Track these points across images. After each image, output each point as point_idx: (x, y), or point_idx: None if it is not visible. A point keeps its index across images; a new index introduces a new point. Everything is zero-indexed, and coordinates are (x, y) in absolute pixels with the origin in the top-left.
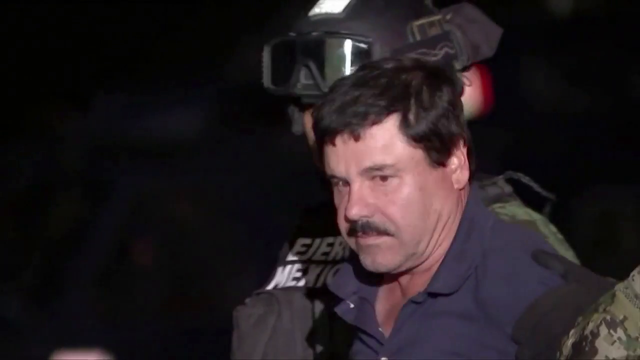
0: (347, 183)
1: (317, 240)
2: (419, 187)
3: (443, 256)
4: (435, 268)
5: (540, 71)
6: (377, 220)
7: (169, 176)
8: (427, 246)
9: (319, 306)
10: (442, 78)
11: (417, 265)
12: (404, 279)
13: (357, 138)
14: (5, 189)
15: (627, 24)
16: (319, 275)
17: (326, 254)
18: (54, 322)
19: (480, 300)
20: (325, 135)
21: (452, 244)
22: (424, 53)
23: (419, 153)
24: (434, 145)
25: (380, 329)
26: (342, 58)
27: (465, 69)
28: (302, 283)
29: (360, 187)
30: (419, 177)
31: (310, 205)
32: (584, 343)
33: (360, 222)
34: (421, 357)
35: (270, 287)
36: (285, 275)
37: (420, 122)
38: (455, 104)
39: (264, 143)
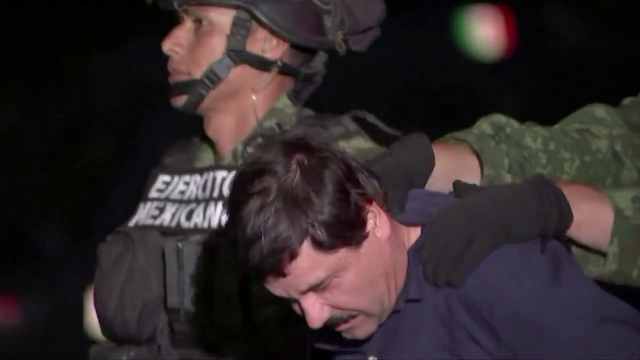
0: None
1: (176, 178)
2: (356, 272)
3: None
4: None
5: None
6: (338, 314)
7: None
8: (390, 299)
9: (170, 245)
10: (319, 162)
11: None
12: None
13: (284, 275)
14: (42, 130)
15: None
16: (174, 215)
17: (182, 192)
18: (91, 256)
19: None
20: (255, 276)
21: (408, 251)
22: None
23: (341, 252)
24: (350, 235)
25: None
26: None
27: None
28: (158, 221)
29: (308, 301)
30: (352, 265)
31: (178, 141)
32: None
33: (326, 323)
34: (408, 351)
35: (132, 223)
36: (146, 212)
37: (328, 232)
38: (345, 175)
39: None
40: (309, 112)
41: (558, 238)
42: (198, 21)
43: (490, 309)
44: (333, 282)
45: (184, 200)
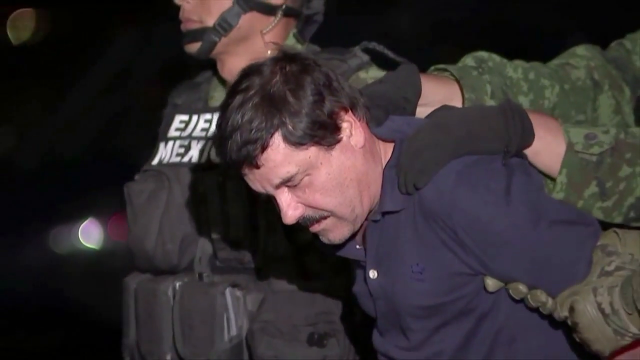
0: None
1: (195, 117)
2: (327, 173)
3: (382, 181)
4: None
5: None
6: (311, 213)
7: None
8: (362, 205)
9: (205, 179)
10: (301, 69)
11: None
12: None
13: (257, 166)
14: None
15: None
16: (202, 151)
17: (205, 129)
18: None
19: (420, 204)
20: (232, 169)
21: (384, 167)
22: None
23: (312, 150)
24: (321, 135)
25: (358, 246)
26: None
27: None
28: (187, 159)
29: (282, 197)
30: (323, 165)
31: (186, 82)
32: None
33: (299, 220)
34: (399, 265)
35: (155, 162)
36: (169, 151)
37: (298, 128)
38: (323, 83)
39: None
40: (316, 48)
41: (519, 156)
42: None
43: (449, 216)
44: (305, 180)
45: (209, 138)
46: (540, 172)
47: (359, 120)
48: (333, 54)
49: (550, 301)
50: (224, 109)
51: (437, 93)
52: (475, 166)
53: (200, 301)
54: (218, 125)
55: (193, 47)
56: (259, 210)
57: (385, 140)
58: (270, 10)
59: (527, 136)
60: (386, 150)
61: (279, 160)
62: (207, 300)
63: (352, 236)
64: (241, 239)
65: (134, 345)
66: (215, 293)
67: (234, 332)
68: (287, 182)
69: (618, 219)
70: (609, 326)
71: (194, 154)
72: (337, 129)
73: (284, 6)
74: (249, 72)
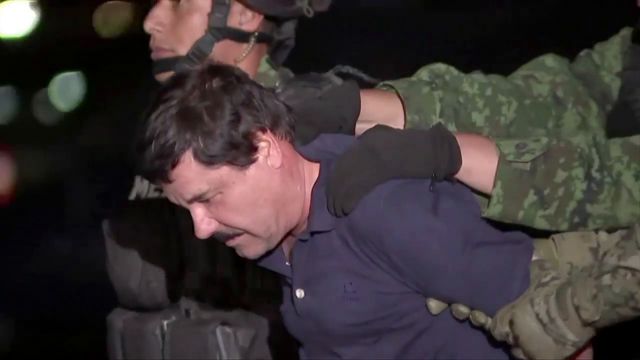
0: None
1: None
2: (239, 192)
3: (310, 203)
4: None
5: None
6: (224, 229)
7: None
8: (278, 225)
9: (189, 215)
10: (223, 85)
11: (291, 231)
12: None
13: (168, 180)
14: None
15: None
16: None
17: None
18: None
19: (350, 227)
20: (148, 180)
21: (312, 187)
22: None
23: (224, 169)
24: (234, 155)
25: (287, 263)
26: None
27: None
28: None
29: (195, 211)
30: (236, 185)
31: None
32: None
33: (214, 235)
34: (330, 285)
35: (132, 196)
36: (146, 185)
37: (210, 147)
38: (242, 102)
39: None
40: (289, 72)
41: (449, 180)
42: (175, 1)
43: (380, 241)
44: (217, 197)
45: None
46: (476, 191)
47: (281, 139)
48: (307, 80)
49: (489, 321)
50: (144, 117)
51: (379, 111)
52: (403, 191)
53: (192, 342)
54: (136, 133)
55: (164, 76)
56: None
57: (310, 160)
58: (243, 38)
59: (454, 162)
60: (311, 170)
61: (190, 177)
62: (198, 340)
63: (281, 250)
64: (229, 276)
65: None
66: (207, 332)
67: None
68: (199, 198)
69: (564, 226)
70: (548, 335)
71: None
72: (253, 149)
73: (256, 33)
74: (173, 83)
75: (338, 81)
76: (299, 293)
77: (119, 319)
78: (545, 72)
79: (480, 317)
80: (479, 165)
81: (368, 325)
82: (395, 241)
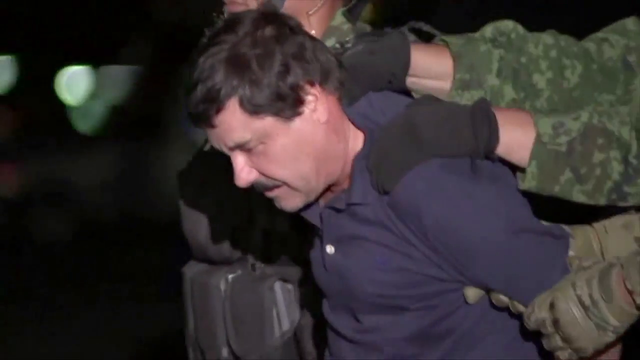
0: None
1: None
2: (282, 144)
3: (351, 170)
4: (347, 182)
5: None
6: (264, 180)
7: None
8: (318, 180)
9: None
10: (275, 35)
11: (330, 187)
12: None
13: (211, 125)
14: None
15: None
16: None
17: None
18: None
19: (391, 205)
20: (194, 122)
21: (355, 158)
22: None
23: (268, 120)
24: (280, 107)
25: (320, 215)
26: None
27: None
28: None
29: (236, 159)
30: (279, 136)
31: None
32: None
33: (253, 185)
34: (362, 251)
35: (207, 148)
36: None
37: (256, 97)
38: (293, 53)
39: None
40: (366, 27)
41: (489, 158)
42: None
43: (420, 221)
44: (259, 147)
45: None
46: (515, 166)
47: (329, 95)
48: (379, 35)
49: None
50: (195, 57)
51: (429, 69)
52: (444, 171)
53: (249, 296)
54: (186, 75)
55: None
56: None
57: (356, 126)
58: None
59: (493, 139)
60: (356, 137)
61: (234, 124)
62: (256, 295)
63: (316, 200)
64: (287, 231)
65: (194, 336)
66: (264, 288)
67: (286, 326)
68: (241, 147)
69: (602, 201)
70: (590, 320)
71: None
72: (299, 102)
73: None
74: (226, 27)
75: (411, 37)
76: (329, 249)
77: (190, 271)
78: (621, 35)
79: (520, 307)
80: (517, 142)
81: (390, 299)
82: (434, 221)
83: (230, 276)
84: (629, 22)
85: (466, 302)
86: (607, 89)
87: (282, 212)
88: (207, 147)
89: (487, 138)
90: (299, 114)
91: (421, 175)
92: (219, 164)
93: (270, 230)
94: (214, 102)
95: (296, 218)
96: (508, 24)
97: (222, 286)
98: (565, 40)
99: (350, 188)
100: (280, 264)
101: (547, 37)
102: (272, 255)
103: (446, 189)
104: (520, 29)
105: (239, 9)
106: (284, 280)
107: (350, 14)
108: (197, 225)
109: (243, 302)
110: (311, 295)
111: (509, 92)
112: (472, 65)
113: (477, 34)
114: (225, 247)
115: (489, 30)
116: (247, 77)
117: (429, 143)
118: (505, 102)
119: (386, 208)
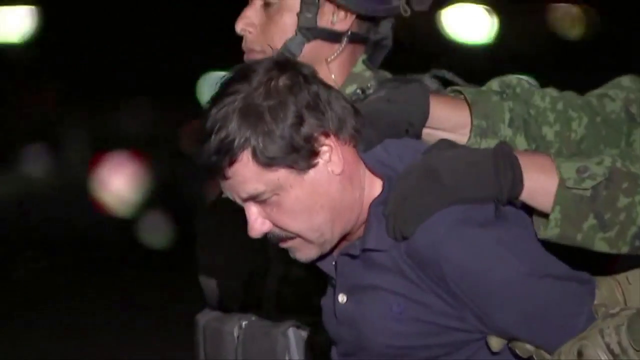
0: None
1: None
2: (296, 196)
3: (367, 217)
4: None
5: None
6: (277, 231)
7: None
8: (332, 232)
9: None
10: (289, 85)
11: (345, 235)
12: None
13: (225, 177)
14: None
15: None
16: None
17: None
18: None
19: (408, 252)
20: (207, 173)
21: (371, 204)
22: None
23: (282, 172)
24: (294, 159)
25: (334, 263)
26: None
27: None
28: None
29: (250, 210)
30: (293, 188)
31: None
32: None
33: (267, 235)
34: (376, 301)
35: (225, 194)
36: None
37: (269, 149)
38: (307, 104)
39: None
40: (386, 74)
41: (512, 204)
42: (266, 1)
43: (440, 267)
44: (273, 198)
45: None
46: (537, 212)
47: (344, 144)
48: (401, 82)
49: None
50: (207, 108)
51: (447, 119)
52: (465, 217)
53: (262, 342)
54: (199, 124)
55: None
56: None
57: (373, 173)
58: (334, 38)
59: (517, 185)
60: (373, 183)
61: (247, 176)
62: (269, 341)
63: (331, 250)
64: (303, 278)
65: None
66: (277, 333)
67: None
68: (255, 198)
69: (624, 249)
70: None
71: None
72: (314, 153)
73: (349, 32)
74: (239, 76)
75: (433, 85)
76: (341, 298)
77: (203, 319)
78: (620, 90)
79: (545, 355)
80: (540, 187)
81: (403, 350)
82: (454, 269)
83: (244, 322)
84: (625, 80)
85: (476, 354)
86: (612, 142)
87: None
88: (225, 194)
89: (511, 183)
90: (313, 165)
91: (442, 221)
92: (236, 209)
93: (286, 276)
94: (227, 154)
95: (312, 265)
96: (512, 79)
97: (236, 332)
98: (568, 94)
99: (366, 234)
100: (294, 310)
101: (552, 91)
102: (287, 302)
103: (467, 235)
104: (524, 82)
105: (257, 56)
106: (298, 327)
107: (370, 62)
108: (212, 272)
109: (256, 348)
110: (325, 343)
111: (521, 142)
112: (486, 114)
113: (484, 87)
114: (240, 294)
115: (495, 83)
116: (260, 128)
117: (451, 188)
118: None
119: (403, 255)
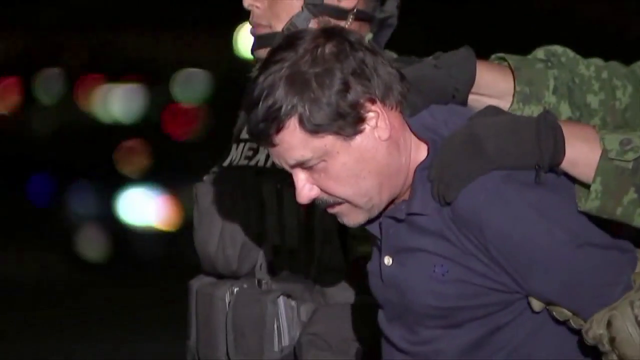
0: None
1: None
2: (343, 162)
3: (412, 181)
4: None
5: None
6: (325, 197)
7: None
8: (380, 197)
9: (265, 185)
10: (336, 52)
11: (393, 200)
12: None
13: (271, 145)
14: None
15: None
16: (268, 155)
17: None
18: None
19: (452, 217)
20: (255, 141)
21: (417, 168)
22: None
23: (328, 138)
24: (341, 125)
25: (379, 224)
26: None
27: None
28: (253, 162)
29: (298, 176)
30: (340, 154)
31: None
32: None
33: (315, 201)
34: (420, 262)
35: (226, 163)
36: (239, 153)
37: (316, 116)
38: (353, 70)
39: None
40: (392, 54)
41: (554, 171)
42: None
43: (481, 232)
44: (320, 165)
45: None
46: (579, 182)
47: (390, 110)
48: (406, 63)
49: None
50: (256, 77)
51: (493, 86)
52: (507, 183)
53: (252, 308)
54: (247, 93)
55: (263, 53)
56: (315, 219)
57: (419, 138)
58: (341, 15)
59: (558, 153)
60: (419, 147)
61: (294, 143)
62: (258, 308)
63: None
64: (296, 248)
65: (195, 348)
66: (267, 301)
67: (286, 342)
68: (302, 165)
69: None
70: None
71: (260, 157)
72: (360, 119)
73: (355, 9)
74: (286, 44)
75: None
76: (387, 260)
77: (196, 284)
78: None
79: (580, 321)
80: (583, 157)
81: (448, 311)
82: (495, 234)
83: (235, 289)
84: None
85: (521, 314)
86: None
87: (292, 228)
88: (225, 163)
89: (552, 150)
90: (360, 131)
91: (483, 186)
92: (235, 178)
93: (279, 246)
94: (274, 121)
95: (306, 234)
96: (557, 48)
97: (227, 298)
98: (613, 63)
99: (411, 198)
100: (286, 280)
101: (597, 60)
102: (279, 271)
103: (508, 200)
104: (569, 51)
105: (263, 31)
106: (288, 296)
107: (375, 41)
108: (208, 235)
109: (245, 314)
110: (313, 313)
111: (565, 110)
112: (530, 80)
113: (529, 56)
114: (234, 261)
115: (540, 52)
116: (307, 96)
117: (493, 154)
118: None
119: (446, 219)
